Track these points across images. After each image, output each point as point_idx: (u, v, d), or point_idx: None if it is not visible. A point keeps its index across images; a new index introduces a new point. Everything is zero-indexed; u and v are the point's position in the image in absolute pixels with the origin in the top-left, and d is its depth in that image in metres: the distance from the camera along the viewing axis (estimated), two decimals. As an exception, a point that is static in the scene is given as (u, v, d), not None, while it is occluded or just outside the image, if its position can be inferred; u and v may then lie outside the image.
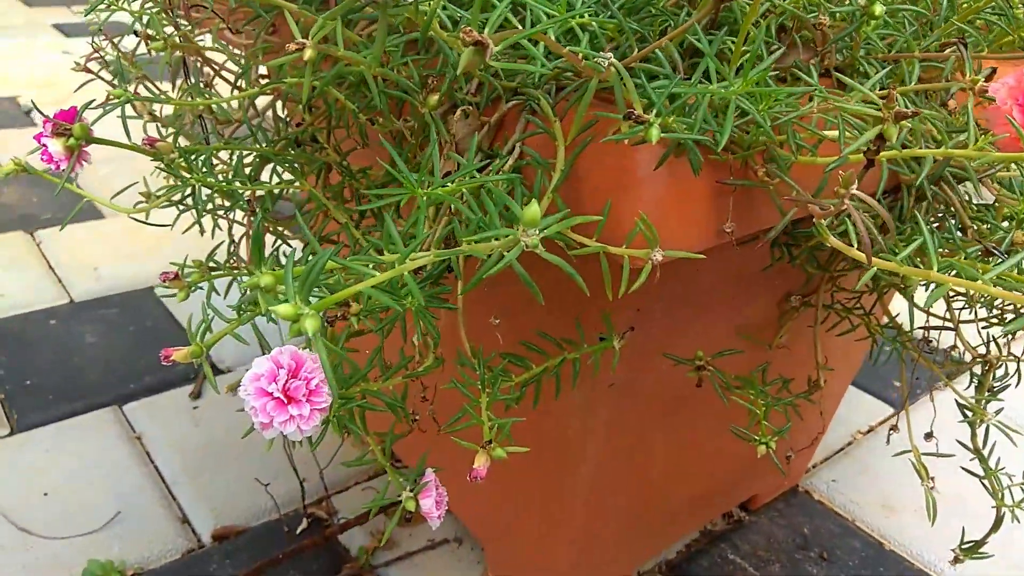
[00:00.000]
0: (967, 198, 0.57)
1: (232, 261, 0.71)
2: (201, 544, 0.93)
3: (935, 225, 0.59)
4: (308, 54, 0.44)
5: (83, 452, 1.05)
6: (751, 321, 0.68)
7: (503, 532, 0.86)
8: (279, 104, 0.68)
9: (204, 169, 0.58)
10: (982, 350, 0.64)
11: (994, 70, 0.44)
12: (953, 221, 0.55)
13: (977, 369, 0.65)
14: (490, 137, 0.52)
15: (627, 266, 0.42)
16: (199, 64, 0.69)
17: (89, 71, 0.71)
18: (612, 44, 0.47)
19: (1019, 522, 0.63)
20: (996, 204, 0.56)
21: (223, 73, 0.70)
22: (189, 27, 0.64)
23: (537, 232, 0.35)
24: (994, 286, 0.35)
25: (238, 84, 0.67)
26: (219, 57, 0.69)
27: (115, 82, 0.73)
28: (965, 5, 0.53)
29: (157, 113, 0.68)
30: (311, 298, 0.34)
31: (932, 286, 0.39)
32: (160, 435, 1.09)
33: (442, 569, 0.92)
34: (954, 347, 0.66)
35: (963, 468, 0.64)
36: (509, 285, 0.52)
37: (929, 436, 0.70)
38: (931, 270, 0.36)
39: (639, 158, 0.43)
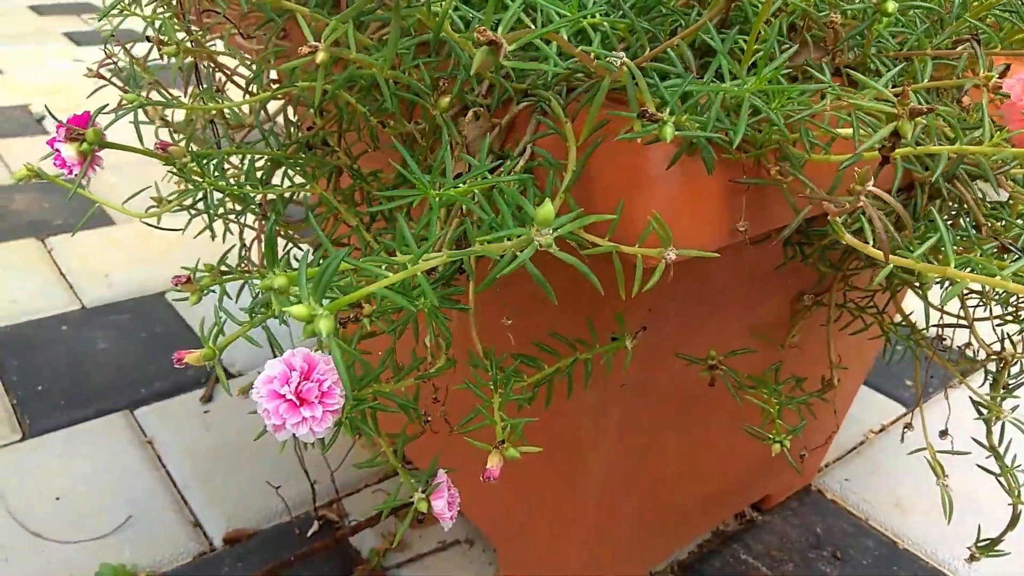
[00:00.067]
0: (981, 196, 0.56)
1: (244, 265, 0.71)
2: (213, 547, 0.94)
3: (948, 223, 0.59)
4: (320, 57, 0.44)
5: (95, 457, 1.05)
6: (764, 320, 0.68)
7: (515, 533, 0.86)
8: (290, 108, 0.69)
9: (216, 173, 0.58)
10: (997, 347, 0.64)
11: (1008, 66, 0.44)
12: (967, 219, 0.55)
13: (992, 366, 0.64)
14: (501, 139, 0.52)
15: (640, 265, 0.42)
16: (212, 69, 0.69)
17: (101, 77, 0.72)
18: (623, 44, 0.47)
19: (1036, 521, 0.62)
20: (1010, 201, 0.55)
21: (235, 78, 0.70)
22: (200, 32, 0.64)
23: (551, 231, 0.35)
24: (1012, 282, 0.35)
25: (250, 89, 0.67)
26: (230, 62, 0.69)
27: (127, 88, 0.73)
28: (976, 3, 0.53)
29: (169, 118, 0.69)
30: (324, 299, 0.34)
31: (947, 284, 0.39)
32: (171, 439, 1.09)
33: (454, 570, 0.92)
34: (968, 345, 0.65)
35: (979, 466, 0.63)
36: (521, 286, 0.52)
37: (944, 434, 0.69)
38: (948, 266, 0.36)
39: (652, 157, 0.43)
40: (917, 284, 0.58)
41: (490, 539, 0.94)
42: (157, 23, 0.64)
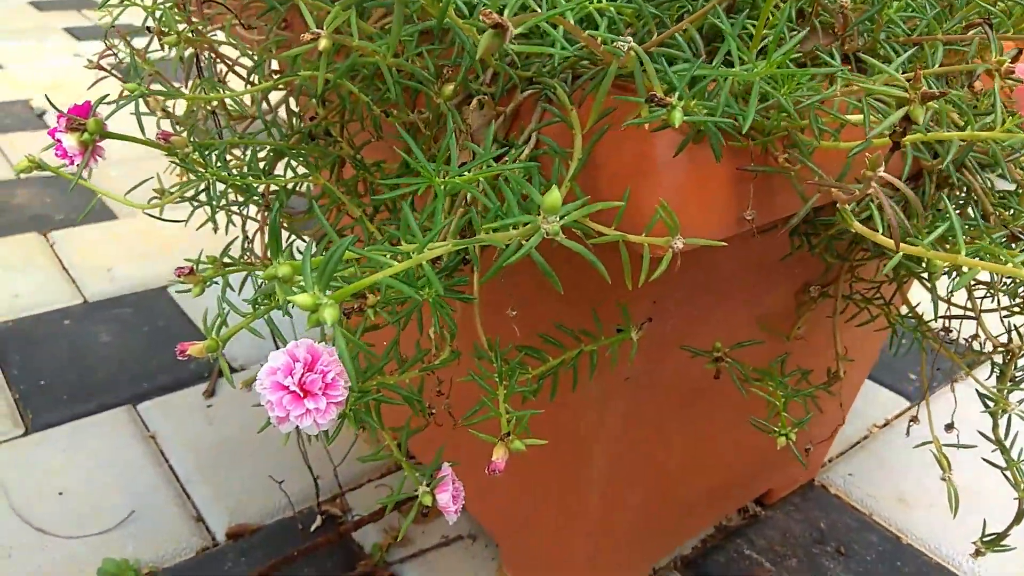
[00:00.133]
0: (989, 184, 0.56)
1: (246, 257, 0.71)
2: (216, 542, 0.93)
3: (956, 212, 0.58)
4: (323, 43, 0.44)
5: (98, 451, 1.05)
6: (770, 311, 0.68)
7: (519, 527, 0.85)
8: (292, 99, 0.68)
9: (218, 164, 0.58)
10: (1004, 339, 0.63)
11: (1020, 51, 0.43)
12: (975, 208, 0.55)
13: (999, 358, 0.64)
14: (506, 127, 0.51)
15: (647, 254, 0.42)
16: (213, 59, 0.68)
17: (102, 68, 0.71)
18: (630, 29, 0.46)
19: (1044, 514, 0.62)
20: (1019, 190, 0.55)
21: (236, 69, 0.70)
22: (201, 23, 0.64)
23: (558, 219, 0.35)
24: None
25: (251, 79, 0.67)
26: (231, 53, 0.69)
27: (128, 81, 0.73)
28: (986, -12, 0.52)
29: (170, 109, 0.68)
30: (328, 289, 0.33)
31: (955, 275, 0.38)
32: (174, 434, 1.09)
33: (456, 565, 0.92)
34: (976, 336, 0.65)
35: (984, 459, 0.63)
36: (525, 277, 0.51)
37: (950, 427, 0.69)
38: (959, 254, 0.36)
39: (658, 144, 0.42)
40: (924, 275, 0.57)
41: (493, 535, 0.93)
42: (158, 13, 0.63)
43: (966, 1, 0.49)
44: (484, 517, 0.92)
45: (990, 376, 0.64)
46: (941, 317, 0.66)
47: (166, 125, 0.66)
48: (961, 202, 0.58)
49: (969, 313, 0.64)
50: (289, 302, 0.35)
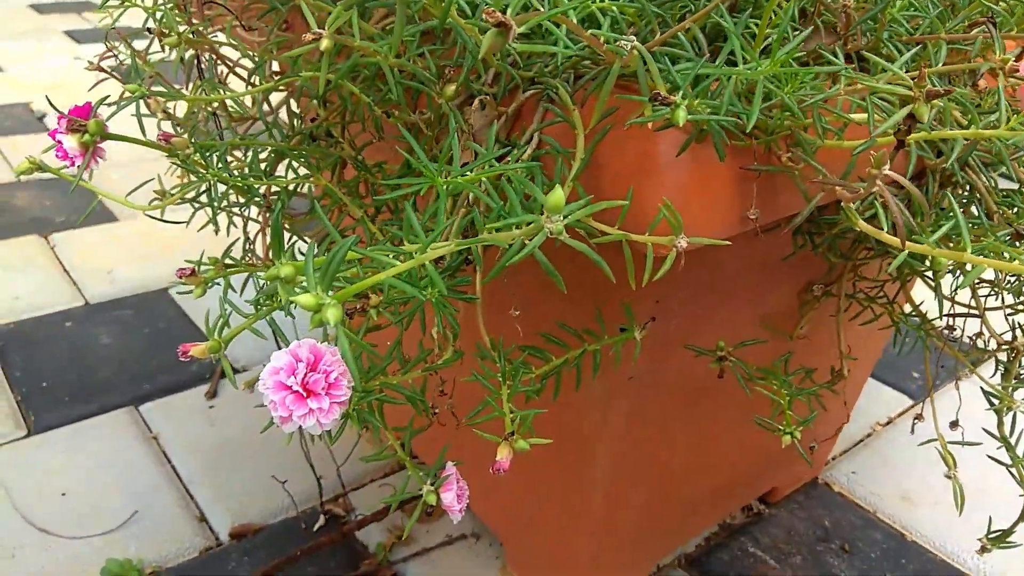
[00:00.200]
0: (992, 183, 0.56)
1: (248, 258, 0.71)
2: (219, 542, 0.93)
3: (960, 211, 0.58)
4: (325, 44, 0.44)
5: (100, 452, 1.05)
6: (774, 310, 0.68)
7: (523, 526, 0.85)
8: (293, 100, 0.68)
9: (219, 165, 0.57)
10: (1008, 337, 0.63)
11: (1024, 49, 0.43)
12: (979, 206, 0.55)
13: (1003, 356, 0.64)
14: (508, 127, 0.51)
15: (651, 254, 0.42)
16: (214, 61, 0.68)
17: (102, 70, 0.71)
18: (633, 29, 0.46)
19: (1048, 511, 0.62)
20: (1023, 189, 0.55)
21: (237, 70, 0.70)
22: (202, 24, 0.64)
23: (561, 218, 0.35)
24: (1030, 267, 0.34)
25: (252, 81, 0.67)
26: (232, 55, 0.68)
27: (128, 83, 0.72)
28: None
29: (171, 111, 0.68)
30: (331, 290, 0.33)
31: (959, 273, 0.38)
32: (176, 435, 1.09)
33: (460, 564, 0.92)
34: (980, 334, 0.65)
35: (990, 456, 0.63)
36: (528, 276, 0.51)
37: (955, 425, 0.69)
38: (965, 252, 0.36)
39: (661, 144, 0.42)
40: (928, 274, 0.57)
41: (497, 534, 0.93)
42: (158, 15, 0.63)
43: (969, 0, 0.49)
44: (488, 516, 0.92)
45: (994, 374, 0.64)
46: (945, 315, 0.65)
47: (167, 127, 0.66)
48: (964, 201, 0.58)
49: (973, 311, 0.63)
50: (292, 302, 0.35)
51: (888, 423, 1.21)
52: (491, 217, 0.42)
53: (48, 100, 0.56)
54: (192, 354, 0.48)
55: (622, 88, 0.44)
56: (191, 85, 0.70)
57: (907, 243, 0.38)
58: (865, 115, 0.40)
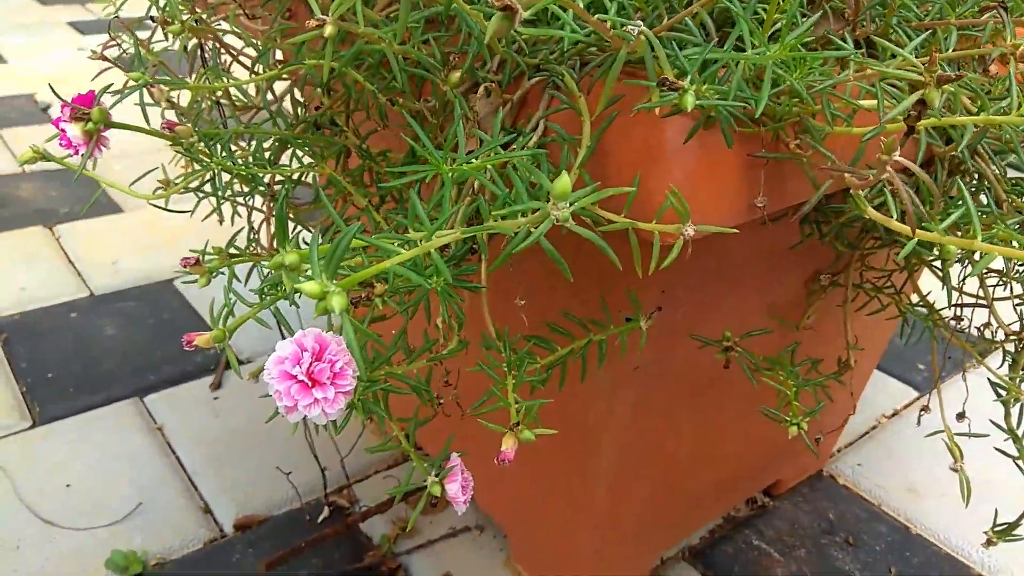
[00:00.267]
0: (1002, 171, 0.55)
1: (252, 248, 0.71)
2: (223, 534, 0.94)
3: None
4: (328, 31, 0.43)
5: (105, 444, 1.05)
6: (780, 300, 0.67)
7: (527, 518, 0.85)
8: (297, 89, 0.68)
9: (224, 154, 0.57)
10: (1016, 327, 0.63)
11: (1036, 34, 0.42)
12: (988, 194, 0.54)
13: (1011, 347, 0.63)
14: (513, 115, 0.51)
15: (657, 242, 0.41)
16: (217, 49, 0.68)
17: (106, 59, 0.71)
18: (639, 14, 0.46)
19: (1056, 503, 0.61)
20: (1033, 176, 0.54)
21: (240, 59, 0.70)
22: (205, 13, 0.63)
23: (567, 205, 0.35)
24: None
25: (255, 69, 0.66)
26: (236, 43, 0.68)
27: (132, 70, 0.72)
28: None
29: (175, 100, 0.68)
30: (335, 277, 0.33)
31: (967, 263, 0.37)
32: (181, 426, 1.09)
33: (464, 556, 0.92)
34: (987, 325, 0.64)
35: (997, 449, 0.62)
36: (534, 265, 0.51)
37: (961, 416, 0.68)
38: (976, 239, 0.35)
39: (668, 131, 0.42)
40: (937, 263, 0.57)
41: (501, 526, 0.93)
42: (162, 3, 0.63)
43: (980, -16, 0.49)
44: (493, 508, 0.92)
45: (1002, 365, 0.64)
46: (953, 305, 0.65)
47: (171, 115, 0.65)
48: (973, 189, 0.57)
49: (981, 301, 0.63)
50: (296, 290, 0.34)
51: (894, 415, 1.20)
52: (496, 205, 0.42)
53: (52, 89, 0.55)
54: (197, 343, 0.47)
55: (629, 75, 0.43)
56: (195, 74, 0.69)
57: (917, 231, 0.37)
58: (874, 101, 0.40)
